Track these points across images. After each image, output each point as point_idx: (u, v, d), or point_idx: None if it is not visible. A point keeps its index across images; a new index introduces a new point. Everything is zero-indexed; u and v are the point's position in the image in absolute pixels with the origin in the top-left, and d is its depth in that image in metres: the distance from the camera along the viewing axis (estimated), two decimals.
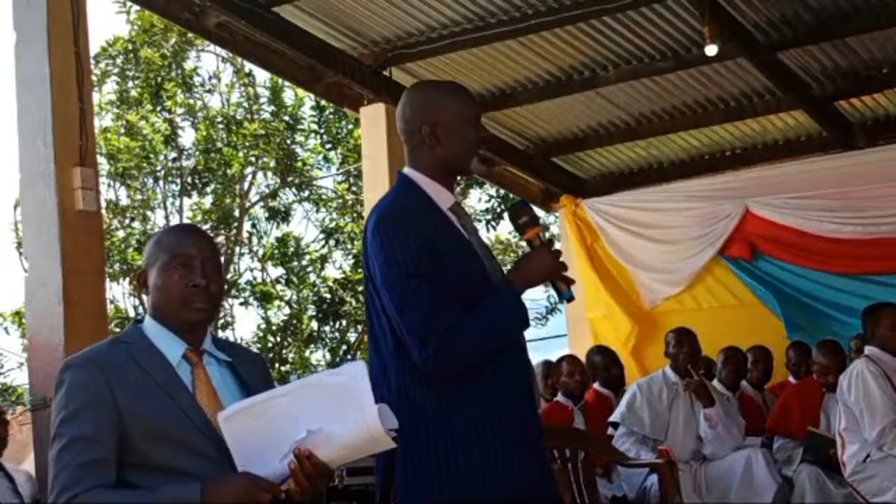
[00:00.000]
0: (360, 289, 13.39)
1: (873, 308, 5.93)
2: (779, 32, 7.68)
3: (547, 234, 2.94)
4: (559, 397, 6.96)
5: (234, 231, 14.06)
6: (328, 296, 14.14)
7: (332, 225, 14.44)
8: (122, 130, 13.27)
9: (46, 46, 5.48)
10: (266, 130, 13.66)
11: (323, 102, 13.28)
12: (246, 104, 14.17)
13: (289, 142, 14.00)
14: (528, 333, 3.02)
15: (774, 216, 8.98)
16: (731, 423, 6.46)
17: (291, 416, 2.44)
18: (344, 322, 14.35)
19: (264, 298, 14.04)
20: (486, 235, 13.68)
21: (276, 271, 14.34)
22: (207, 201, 13.98)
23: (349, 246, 14.34)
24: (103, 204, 10.27)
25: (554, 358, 7.34)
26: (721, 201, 9.17)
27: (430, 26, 7.60)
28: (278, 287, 14.26)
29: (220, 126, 13.85)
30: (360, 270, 13.32)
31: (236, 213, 14.12)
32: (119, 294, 13.43)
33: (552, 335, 13.24)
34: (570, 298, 2.96)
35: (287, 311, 14.25)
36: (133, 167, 13.20)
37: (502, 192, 12.96)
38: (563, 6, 7.26)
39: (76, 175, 5.44)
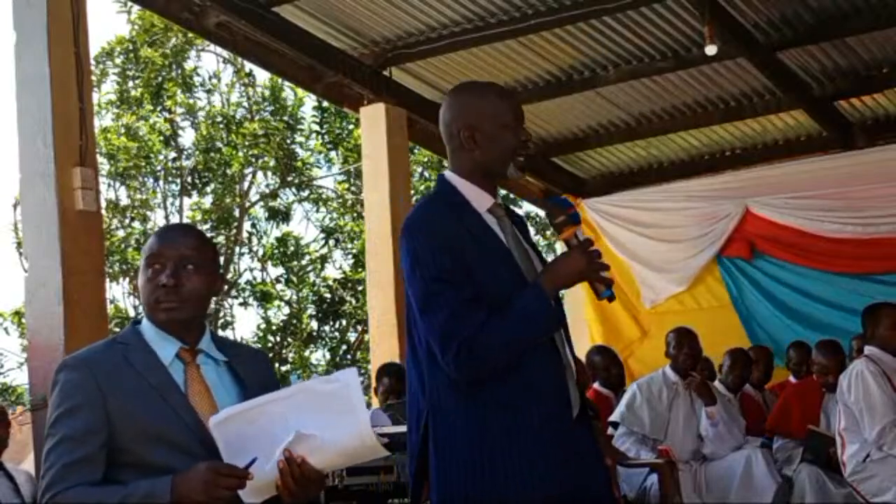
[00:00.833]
0: (360, 288, 13.40)
1: (873, 308, 5.93)
2: (779, 32, 7.68)
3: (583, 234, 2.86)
4: None
5: (234, 231, 14.07)
6: (328, 295, 14.16)
7: (332, 225, 14.45)
8: (122, 130, 13.27)
9: (46, 46, 5.47)
10: (266, 130, 13.67)
11: (323, 102, 13.29)
12: (246, 104, 14.18)
13: (289, 142, 14.01)
14: None
15: (774, 216, 8.98)
16: (732, 422, 6.46)
17: (284, 422, 2.45)
18: (344, 322, 14.36)
19: (264, 298, 14.05)
20: None
21: (276, 271, 14.36)
22: (207, 201, 13.99)
23: (349, 246, 14.35)
24: (103, 204, 10.28)
25: None
26: (721, 201, 9.18)
27: (430, 26, 7.60)
28: (278, 287, 14.27)
29: (220, 126, 13.85)
30: (360, 270, 13.34)
31: (236, 213, 14.13)
32: (119, 294, 13.46)
33: None
34: (610, 298, 2.89)
35: (287, 310, 14.26)
36: (133, 167, 13.21)
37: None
38: (563, 6, 7.26)
39: (76, 175, 5.44)
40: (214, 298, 3.04)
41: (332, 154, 14.42)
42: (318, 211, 14.64)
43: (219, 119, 13.90)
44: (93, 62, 7.62)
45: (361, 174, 8.96)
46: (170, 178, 13.81)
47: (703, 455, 6.45)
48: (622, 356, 7.98)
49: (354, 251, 14.11)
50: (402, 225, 2.90)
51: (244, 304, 14.13)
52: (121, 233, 13.42)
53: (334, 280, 14.23)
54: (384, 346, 7.67)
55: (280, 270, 14.30)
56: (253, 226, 14.40)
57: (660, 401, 6.42)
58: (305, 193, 14.60)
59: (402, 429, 5.07)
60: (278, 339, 14.11)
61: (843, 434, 5.77)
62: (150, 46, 13.36)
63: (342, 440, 2.44)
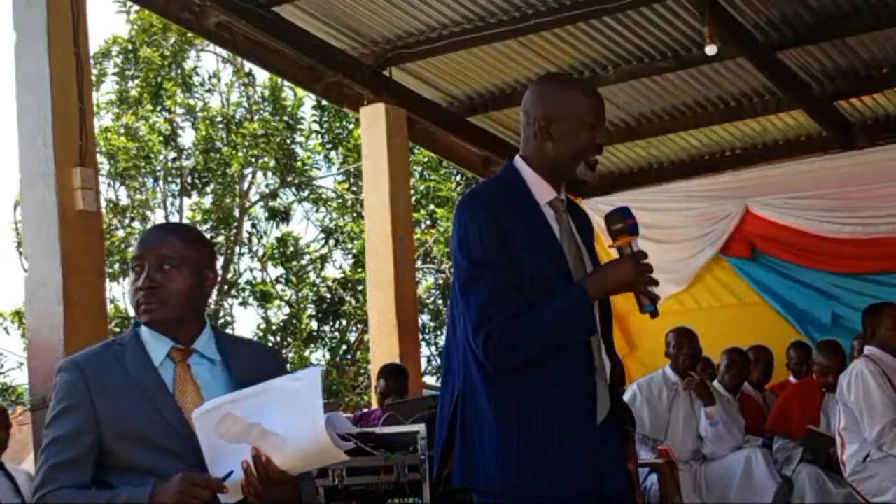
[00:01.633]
0: (360, 288, 13.40)
1: (874, 308, 5.93)
2: (779, 32, 7.68)
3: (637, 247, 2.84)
4: None
5: (234, 231, 14.07)
6: (328, 295, 14.16)
7: (332, 225, 14.45)
8: (122, 130, 13.28)
9: (46, 46, 5.47)
10: (266, 130, 13.67)
11: (323, 102, 13.28)
12: (246, 104, 14.17)
13: (289, 142, 14.01)
14: None
15: (774, 216, 8.97)
16: (732, 422, 6.46)
17: (255, 418, 2.43)
18: (344, 322, 14.36)
19: (264, 298, 14.05)
20: None
21: (275, 271, 14.36)
22: (207, 201, 13.99)
23: (349, 245, 14.35)
24: (103, 204, 10.28)
25: None
26: (721, 201, 9.17)
27: (430, 26, 7.59)
28: (278, 287, 14.27)
29: (220, 126, 13.85)
30: (360, 270, 13.33)
31: (236, 213, 14.13)
32: (119, 294, 13.46)
33: None
34: (653, 314, 2.88)
35: (287, 310, 14.26)
36: (133, 167, 13.21)
37: None
38: (563, 6, 7.26)
39: (76, 175, 5.44)
40: (214, 295, 3.02)
41: (332, 154, 14.41)
42: (318, 211, 14.64)
43: (218, 119, 13.89)
44: (92, 62, 7.61)
45: (361, 174, 8.96)
46: (170, 178, 13.81)
47: (703, 455, 6.45)
48: (622, 356, 7.97)
49: (354, 251, 14.11)
50: (457, 202, 2.91)
51: (244, 303, 14.14)
52: (121, 233, 13.43)
53: (334, 280, 14.23)
54: (384, 346, 7.67)
55: (280, 270, 14.31)
56: (253, 226, 14.41)
57: (660, 401, 6.42)
58: (305, 193, 14.60)
59: (402, 429, 5.11)
60: (278, 339, 14.11)
61: (843, 434, 5.77)
62: (149, 46, 13.36)
63: (300, 441, 2.41)
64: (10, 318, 13.07)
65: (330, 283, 14.23)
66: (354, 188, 13.91)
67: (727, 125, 9.08)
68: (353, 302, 14.01)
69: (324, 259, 14.42)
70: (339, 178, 14.55)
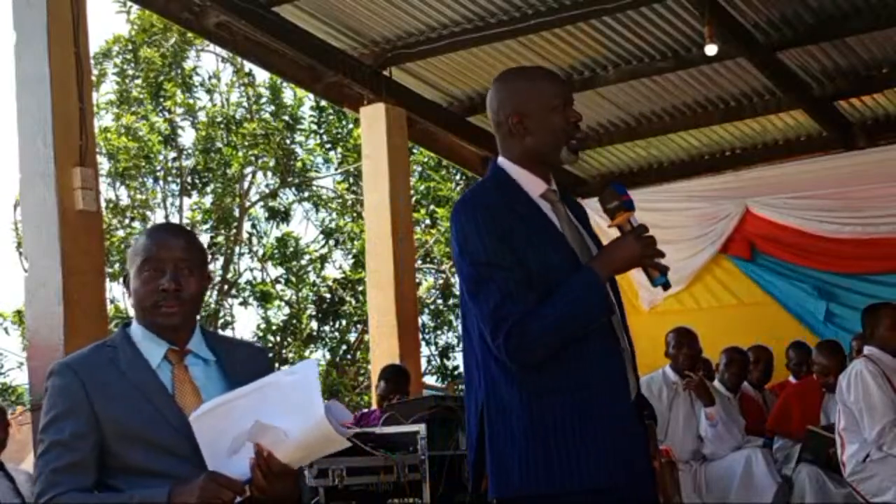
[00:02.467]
0: (360, 288, 13.40)
1: (873, 308, 5.93)
2: (779, 32, 7.68)
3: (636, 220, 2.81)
4: None
5: (234, 231, 14.06)
6: (328, 296, 14.15)
7: (332, 225, 14.44)
8: (122, 130, 13.27)
9: (46, 46, 5.48)
10: (266, 130, 13.66)
11: (323, 102, 13.28)
12: (246, 104, 14.17)
13: (288, 142, 14.00)
14: None
15: (774, 216, 8.98)
16: (732, 422, 6.46)
17: (253, 416, 2.44)
18: (344, 322, 14.35)
19: (264, 298, 14.04)
20: None
21: (275, 271, 14.35)
22: (207, 201, 13.98)
23: (349, 246, 14.34)
24: (103, 204, 10.28)
25: None
26: (721, 201, 9.17)
27: (430, 26, 7.60)
28: (278, 287, 14.26)
29: (220, 126, 13.85)
30: (360, 270, 13.33)
31: (236, 213, 14.12)
32: (119, 294, 13.44)
33: None
34: (665, 285, 2.84)
35: (287, 310, 14.25)
36: (133, 167, 13.21)
37: None
38: (563, 6, 7.26)
39: (76, 175, 5.44)
40: (214, 295, 3.03)
41: (332, 154, 14.41)
42: (318, 211, 14.63)
43: (218, 119, 13.89)
44: (92, 62, 7.61)
45: (361, 174, 8.95)
46: (170, 178, 13.80)
47: (703, 455, 6.45)
48: None
49: (354, 251, 14.10)
50: (452, 209, 2.88)
51: (244, 303, 14.12)
52: (121, 233, 13.42)
53: (334, 280, 14.22)
54: (384, 346, 7.67)
55: (280, 270, 14.29)
56: (253, 226, 14.39)
57: (659, 401, 6.42)
58: (305, 194, 14.59)
59: (402, 429, 5.11)
60: (278, 339, 14.10)
61: (843, 434, 5.78)
62: (149, 46, 13.36)
63: (301, 432, 2.42)
64: (10, 318, 13.06)
65: (330, 283, 14.22)
66: (354, 188, 13.90)
67: (727, 125, 9.09)
68: (353, 302, 14.00)
69: (324, 259, 14.41)
70: (339, 178, 14.55)
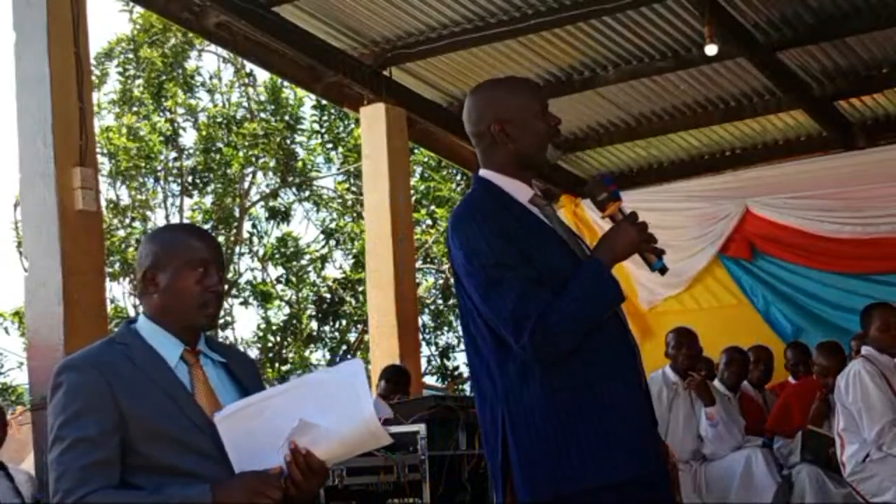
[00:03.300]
0: (360, 289, 13.40)
1: (868, 309, 5.95)
2: (779, 32, 7.68)
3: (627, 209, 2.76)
4: None
5: (234, 231, 14.07)
6: (328, 296, 14.15)
7: (332, 225, 14.44)
8: (124, 130, 13.28)
9: (46, 46, 5.48)
10: (266, 130, 13.67)
11: (323, 102, 13.28)
12: (246, 104, 14.18)
13: (289, 142, 14.01)
14: None
15: (774, 216, 8.97)
16: (732, 422, 6.46)
17: (289, 414, 2.45)
18: (344, 322, 14.36)
19: (264, 298, 14.05)
20: None
21: (276, 271, 14.35)
22: (208, 201, 13.99)
23: (349, 246, 14.34)
24: (103, 204, 10.28)
25: None
26: (721, 201, 9.16)
27: (430, 26, 7.60)
28: (278, 287, 14.26)
29: (221, 126, 13.85)
30: (360, 270, 13.34)
31: (236, 213, 14.13)
32: (119, 294, 13.45)
33: None
34: (663, 269, 2.87)
35: (287, 310, 14.25)
36: (133, 167, 13.21)
37: None
38: (563, 6, 7.26)
39: (76, 175, 5.45)
40: None
41: (332, 154, 14.41)
42: (318, 211, 14.64)
43: (219, 119, 13.89)
44: (93, 62, 7.62)
45: (361, 174, 8.96)
46: (170, 178, 13.81)
47: (703, 455, 6.45)
48: None
49: (354, 251, 14.10)
50: (449, 221, 2.89)
51: (244, 303, 14.13)
52: (121, 233, 13.42)
53: (334, 280, 14.23)
54: (384, 346, 7.67)
55: (280, 270, 14.30)
56: (253, 226, 14.40)
57: (659, 401, 6.41)
58: (305, 194, 14.60)
59: (402, 429, 5.11)
60: (278, 339, 14.11)
61: (843, 434, 5.78)
62: (150, 46, 13.36)
63: (346, 429, 2.44)
64: (10, 318, 13.06)
65: (330, 283, 14.22)
66: (354, 188, 13.91)
67: (727, 125, 9.09)
68: (353, 302, 14.01)
69: (324, 259, 14.42)
70: (339, 178, 14.56)
